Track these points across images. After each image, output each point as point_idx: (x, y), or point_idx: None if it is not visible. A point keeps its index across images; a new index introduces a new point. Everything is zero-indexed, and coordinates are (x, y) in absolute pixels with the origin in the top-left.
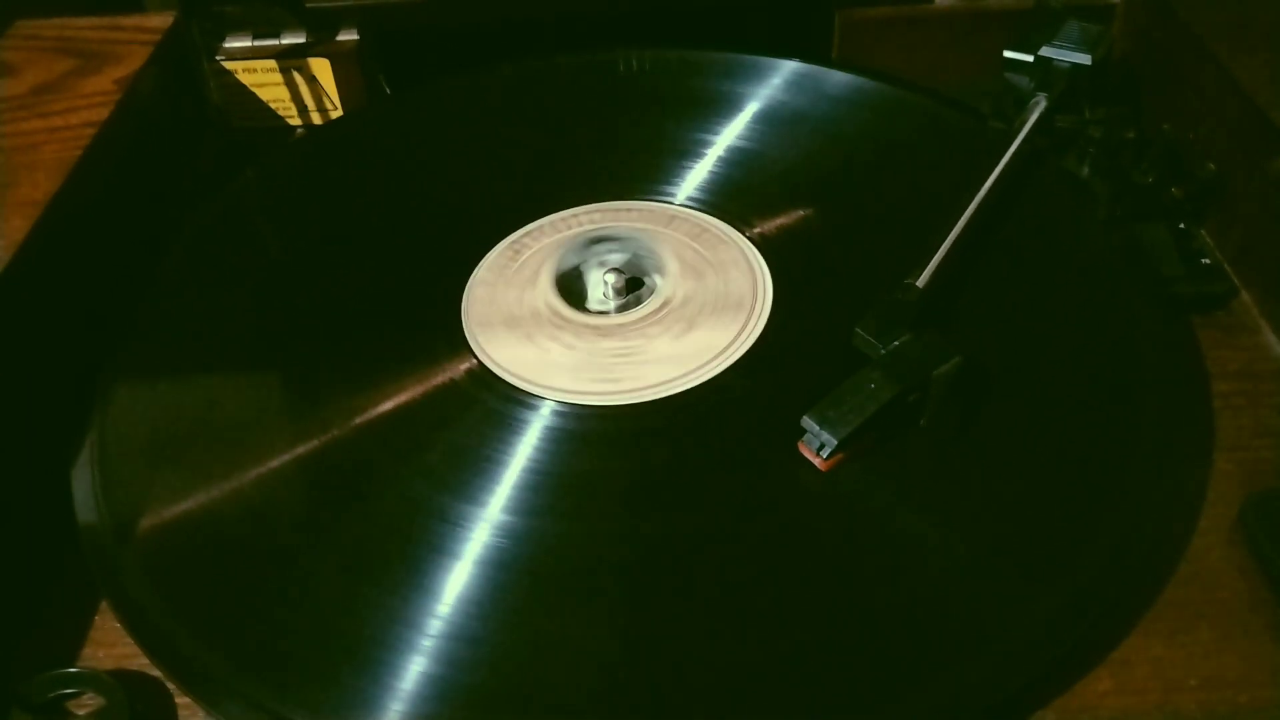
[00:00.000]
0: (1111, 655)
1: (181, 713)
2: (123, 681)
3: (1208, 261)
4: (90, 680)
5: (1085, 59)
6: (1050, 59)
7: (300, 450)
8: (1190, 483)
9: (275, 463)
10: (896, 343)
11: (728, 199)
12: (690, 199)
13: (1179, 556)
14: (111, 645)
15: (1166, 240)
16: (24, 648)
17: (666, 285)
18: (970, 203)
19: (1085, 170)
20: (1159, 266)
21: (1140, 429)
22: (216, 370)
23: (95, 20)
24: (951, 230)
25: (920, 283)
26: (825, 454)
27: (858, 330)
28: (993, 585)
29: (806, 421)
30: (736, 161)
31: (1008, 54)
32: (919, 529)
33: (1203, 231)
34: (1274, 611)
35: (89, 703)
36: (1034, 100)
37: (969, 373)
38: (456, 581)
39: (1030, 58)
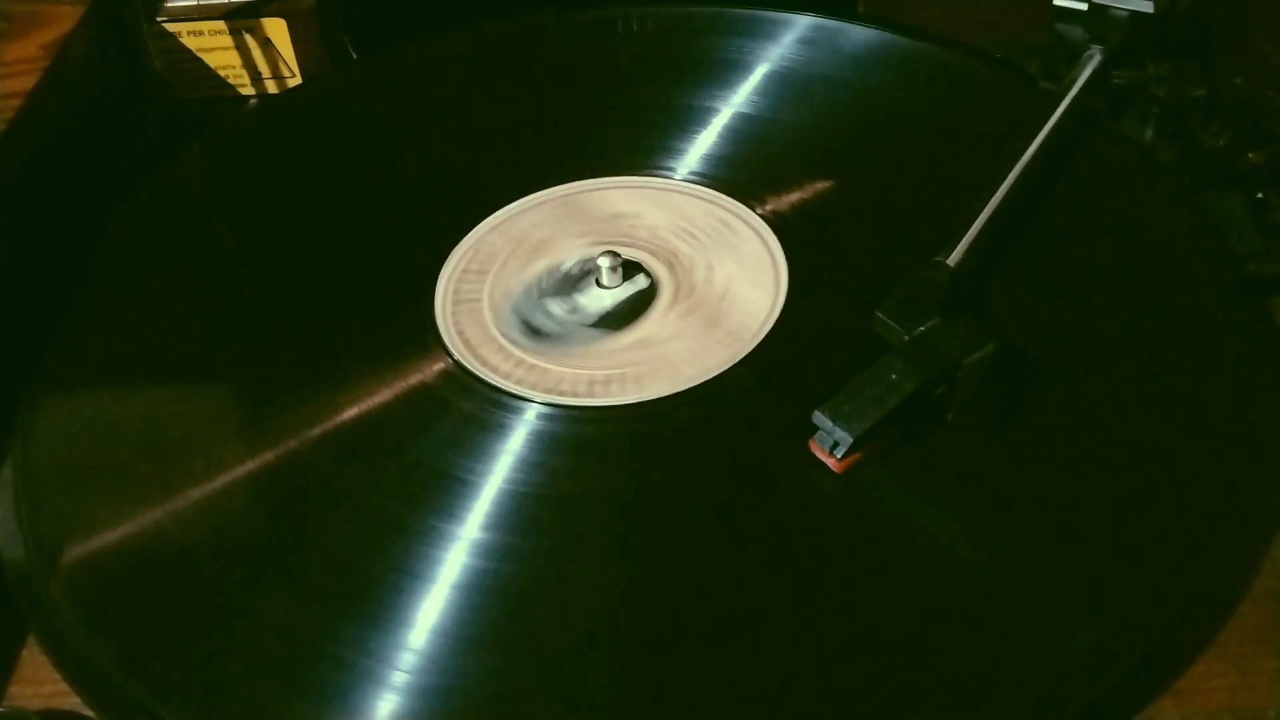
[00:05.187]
0: (1177, 684)
1: None
2: None
3: None
4: None
5: (1147, 6)
6: (1107, 6)
7: (251, 465)
8: (1268, 487)
9: (222, 480)
10: (922, 328)
11: (736, 172)
12: (694, 173)
13: (1255, 571)
14: (40, 683)
15: (1242, 212)
16: None
17: (650, 324)
18: (1011, 171)
19: (1148, 133)
20: (1233, 242)
21: (1211, 426)
22: (156, 375)
23: None
24: (989, 202)
25: (951, 261)
26: (839, 453)
27: (879, 314)
28: (1034, 604)
29: (818, 417)
30: (746, 130)
31: (1059, 2)
32: (950, 540)
33: None
34: None
35: None
36: (1088, 53)
37: (1006, 362)
38: (430, 608)
39: (1084, 5)
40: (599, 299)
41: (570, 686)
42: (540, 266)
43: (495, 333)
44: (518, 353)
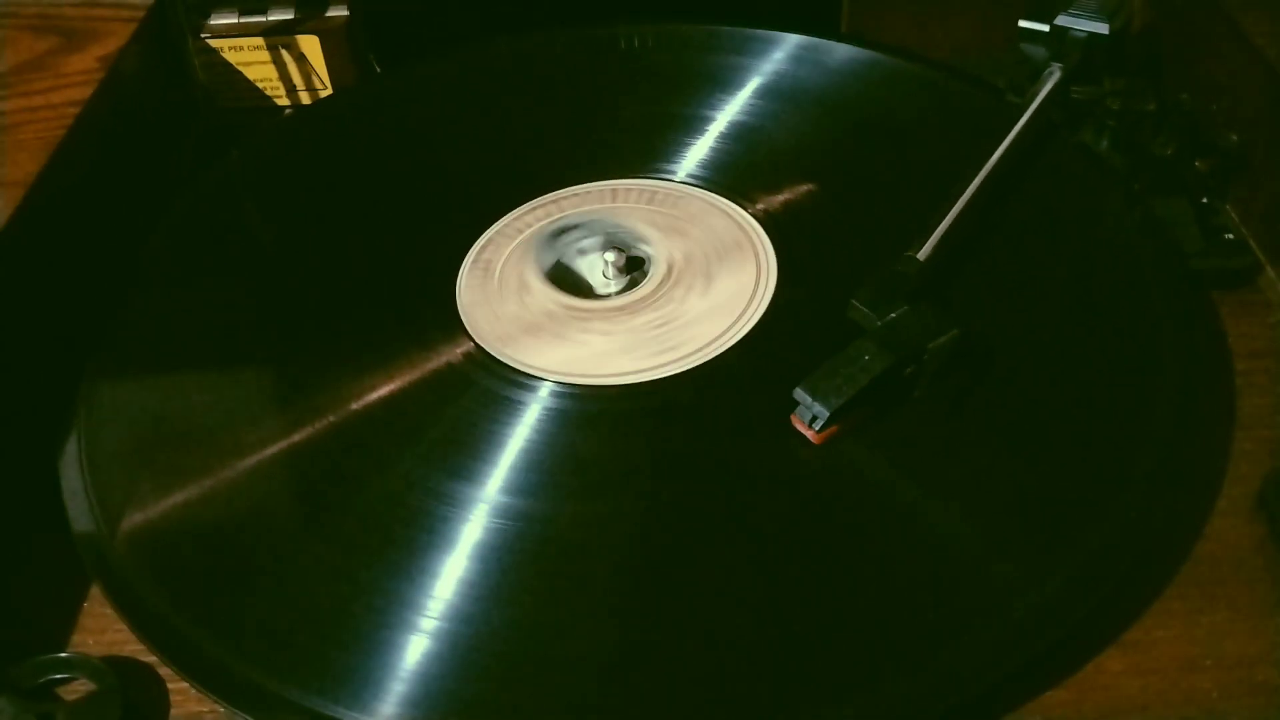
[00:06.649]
0: (1125, 636)
1: (174, 697)
2: (115, 667)
3: (1230, 236)
4: (81, 665)
5: (1103, 28)
6: (1067, 28)
7: (294, 437)
8: (1209, 461)
9: (267, 451)
10: (893, 315)
11: (730, 175)
12: (691, 175)
13: (1196, 535)
14: (100, 632)
15: (1187, 214)
16: (13, 633)
17: (659, 251)
18: (977, 175)
19: (1103, 143)
20: (1179, 241)
21: (1157, 406)
22: (205, 360)
23: None
24: (956, 203)
25: (921, 255)
26: (818, 426)
27: (853, 302)
28: (995, 561)
29: (799, 393)
30: (740, 136)
31: (1023, 24)
32: (918, 503)
33: (1226, 206)
34: None
35: (79, 688)
36: (1049, 70)
37: (969, 346)
38: (456, 562)
39: (1046, 27)
40: (606, 288)
41: (580, 633)
42: (551, 261)
43: (549, 344)
44: (581, 350)
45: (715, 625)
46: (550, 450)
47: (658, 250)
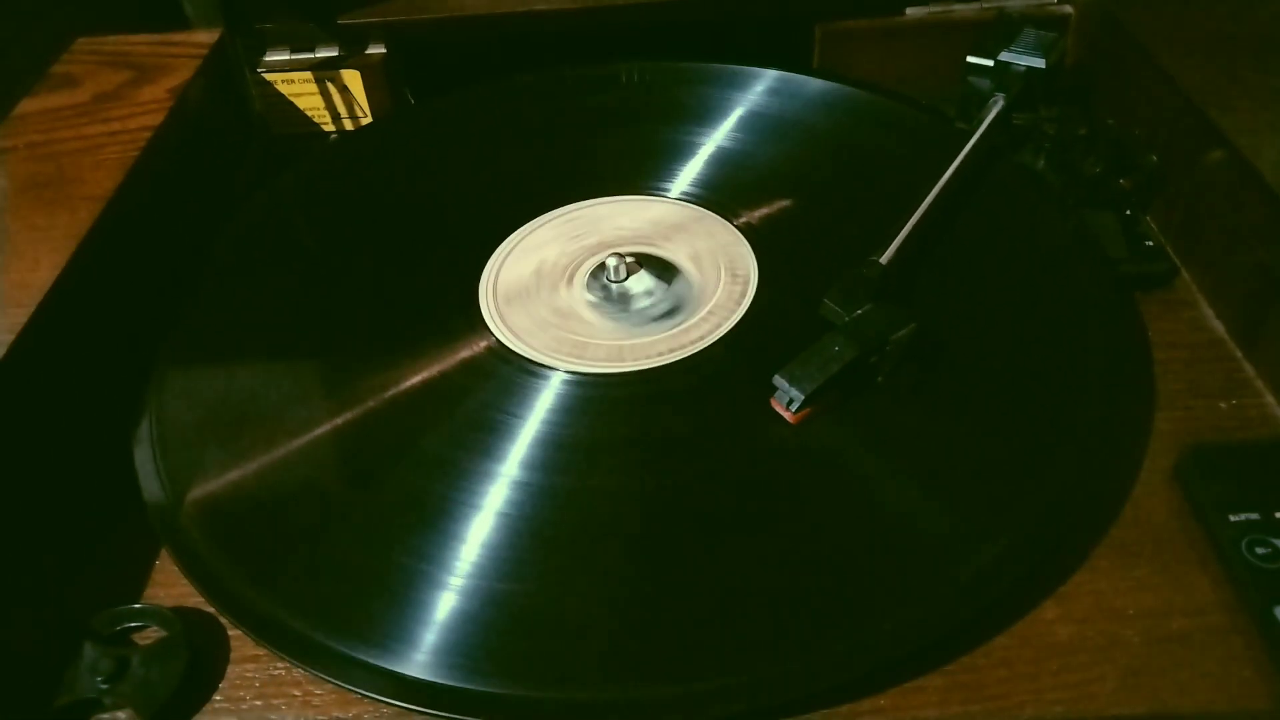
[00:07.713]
0: (1060, 589)
1: (234, 643)
2: (182, 616)
3: (1151, 244)
4: (153, 615)
5: (1040, 62)
6: (1008, 63)
7: (337, 420)
8: (1132, 438)
9: (314, 432)
10: (859, 311)
11: (717, 191)
12: (684, 192)
13: (1121, 502)
14: (170, 586)
15: (1113, 225)
16: (93, 587)
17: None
18: (931, 190)
19: (1040, 163)
20: (1107, 249)
21: (1087, 391)
22: (259, 353)
23: (149, 36)
24: (914, 214)
25: (883, 260)
26: (794, 408)
27: (825, 300)
28: (945, 525)
29: (777, 379)
30: (725, 159)
31: (970, 59)
32: (880, 474)
33: (1147, 217)
34: (1204, 550)
35: (152, 635)
36: (993, 100)
37: (925, 338)
38: (480, 528)
39: (990, 62)
40: (605, 290)
41: (585, 595)
42: (562, 266)
43: (528, 315)
44: (545, 330)
45: (714, 582)
46: (561, 432)
47: (648, 305)
